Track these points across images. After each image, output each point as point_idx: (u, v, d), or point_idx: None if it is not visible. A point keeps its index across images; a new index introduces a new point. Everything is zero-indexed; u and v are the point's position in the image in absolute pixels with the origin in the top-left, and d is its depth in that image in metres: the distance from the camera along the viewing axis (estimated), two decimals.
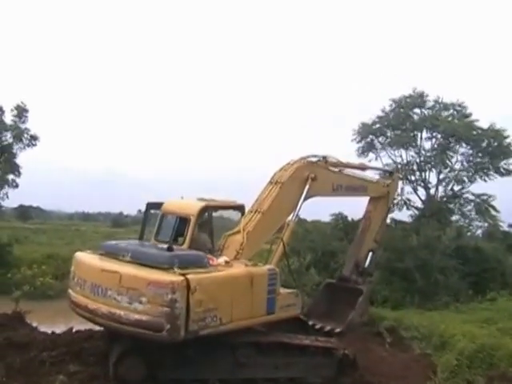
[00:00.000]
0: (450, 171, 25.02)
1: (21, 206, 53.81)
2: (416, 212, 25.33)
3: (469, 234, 25.20)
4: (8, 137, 24.12)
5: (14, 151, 24.20)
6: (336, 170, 11.35)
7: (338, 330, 10.92)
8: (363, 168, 12.62)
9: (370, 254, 12.66)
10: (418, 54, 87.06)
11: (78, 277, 8.83)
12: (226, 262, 8.85)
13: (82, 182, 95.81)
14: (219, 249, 9.68)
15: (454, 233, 21.86)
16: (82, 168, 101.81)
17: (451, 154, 24.95)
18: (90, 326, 9.68)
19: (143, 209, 11.13)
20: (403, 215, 24.66)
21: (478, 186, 25.02)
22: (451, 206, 25.59)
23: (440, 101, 25.58)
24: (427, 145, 25.26)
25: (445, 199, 25.49)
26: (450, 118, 25.37)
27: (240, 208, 10.41)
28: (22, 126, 24.08)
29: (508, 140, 24.59)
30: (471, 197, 25.17)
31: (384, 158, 25.67)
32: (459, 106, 25.51)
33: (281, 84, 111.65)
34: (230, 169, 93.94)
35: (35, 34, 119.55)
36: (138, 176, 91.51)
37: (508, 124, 25.37)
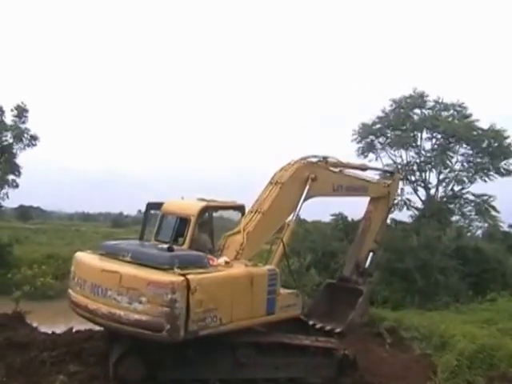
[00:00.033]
0: (450, 171, 25.02)
1: (21, 207, 53.81)
2: (416, 212, 25.33)
3: (469, 234, 25.19)
4: (8, 137, 24.07)
5: (14, 151, 24.18)
6: (336, 170, 11.33)
7: (338, 330, 10.93)
8: (364, 168, 12.59)
9: (371, 254, 12.65)
10: (418, 54, 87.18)
11: (78, 277, 8.84)
12: (226, 263, 8.85)
13: (82, 182, 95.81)
14: (219, 249, 9.68)
15: (454, 233, 21.86)
16: (82, 168, 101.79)
17: (451, 154, 24.94)
18: (90, 326, 9.70)
19: (143, 209, 11.14)
20: (403, 215, 24.68)
21: (478, 187, 25.04)
22: (451, 206, 25.58)
23: (440, 101, 25.57)
24: (427, 145, 25.28)
25: (445, 199, 25.48)
26: (450, 119, 25.36)
27: (240, 208, 10.41)
28: (22, 126, 24.03)
29: (508, 140, 24.59)
30: (471, 197, 25.16)
31: (384, 159, 25.67)
32: (459, 106, 25.51)
33: (281, 84, 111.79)
34: (230, 169, 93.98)
35: (35, 34, 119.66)
36: (137, 176, 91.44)
37: (508, 124, 25.42)
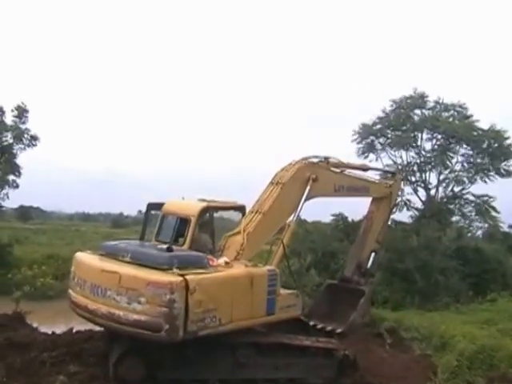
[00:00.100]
0: (450, 172, 25.06)
1: (21, 207, 53.81)
2: (416, 213, 25.37)
3: (469, 234, 25.22)
4: (8, 137, 24.08)
5: (15, 151, 24.19)
6: (338, 170, 11.31)
7: (339, 330, 10.91)
8: (365, 169, 12.57)
9: (373, 254, 12.62)
10: (418, 55, 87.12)
11: (78, 277, 8.83)
12: (226, 263, 8.84)
13: (82, 182, 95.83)
14: (220, 249, 9.68)
15: (454, 234, 21.88)
16: (82, 168, 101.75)
17: (451, 154, 24.99)
18: (90, 326, 9.69)
19: (143, 209, 11.14)
20: (403, 216, 24.72)
21: (479, 187, 25.09)
22: (451, 206, 25.63)
23: (441, 102, 25.62)
24: (428, 145, 25.35)
25: (445, 200, 25.52)
26: (450, 119, 25.40)
27: (241, 209, 10.41)
28: (23, 127, 24.05)
29: (508, 141, 24.64)
30: (471, 198, 25.22)
31: (384, 159, 25.74)
32: (460, 106, 25.55)
33: (281, 84, 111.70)
34: (230, 169, 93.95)
35: (35, 34, 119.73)
36: (137, 176, 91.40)
37: (508, 125, 25.42)
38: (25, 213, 55.02)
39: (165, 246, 8.57)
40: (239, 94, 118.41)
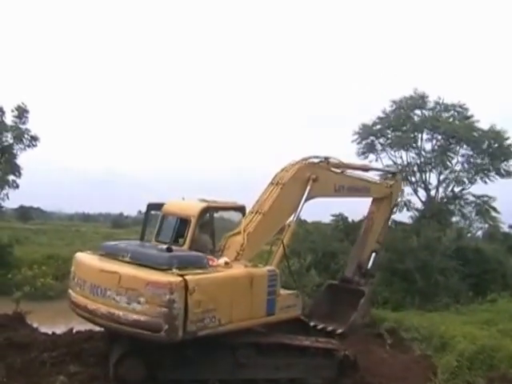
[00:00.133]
0: (450, 172, 25.10)
1: (21, 207, 53.80)
2: (416, 213, 25.41)
3: (469, 235, 25.27)
4: (8, 137, 24.09)
5: (15, 152, 24.20)
6: (338, 170, 11.28)
7: (339, 331, 10.89)
8: (366, 169, 12.56)
9: (373, 255, 12.59)
10: (418, 55, 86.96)
11: (78, 277, 8.83)
12: (226, 263, 8.84)
13: (82, 182, 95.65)
14: (220, 250, 9.68)
15: (454, 234, 21.90)
16: (82, 168, 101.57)
17: (452, 155, 25.03)
18: (90, 326, 9.69)
19: (143, 209, 11.15)
20: (403, 216, 24.72)
21: (479, 188, 25.12)
22: (451, 207, 25.66)
23: (441, 102, 25.64)
24: (428, 146, 25.40)
25: (445, 200, 25.55)
26: (450, 120, 25.42)
27: (241, 209, 10.41)
28: (23, 127, 24.07)
29: (508, 141, 24.69)
30: (471, 198, 25.25)
31: (384, 160, 25.77)
32: (460, 107, 25.58)
33: (281, 84, 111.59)
34: (230, 169, 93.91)
35: (35, 34, 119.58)
36: (137, 176, 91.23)
37: (509, 125, 25.46)
38: (25, 213, 55.00)
39: (164, 247, 8.58)
40: (239, 94, 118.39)
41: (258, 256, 10.40)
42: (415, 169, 25.24)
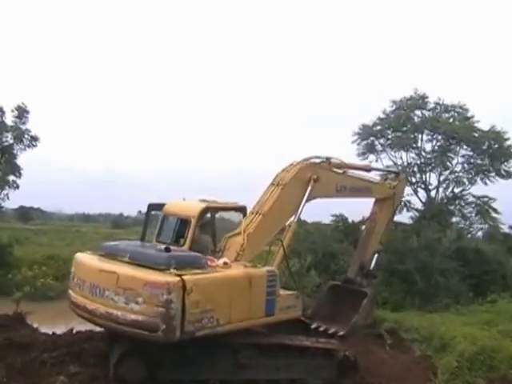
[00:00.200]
0: (450, 173, 25.09)
1: (21, 207, 53.84)
2: (416, 214, 25.40)
3: (469, 235, 25.23)
4: (9, 138, 24.05)
5: (15, 152, 24.18)
6: (340, 171, 11.19)
7: (341, 333, 10.80)
8: (368, 169, 12.50)
9: (376, 255, 12.52)
10: (418, 55, 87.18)
11: (78, 277, 8.84)
12: (225, 264, 8.83)
13: (82, 182, 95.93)
14: (220, 250, 9.68)
15: (454, 235, 21.86)
16: (82, 168, 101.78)
17: (452, 155, 25.03)
18: (90, 326, 9.68)
19: (143, 210, 11.17)
20: (403, 217, 24.70)
21: (479, 188, 25.12)
22: (452, 207, 25.65)
23: (441, 102, 25.64)
24: (428, 146, 25.40)
25: (445, 201, 25.54)
26: (450, 120, 25.42)
27: (242, 210, 10.40)
28: (23, 127, 24.04)
29: (508, 142, 24.69)
30: (472, 199, 25.25)
31: (384, 160, 25.76)
32: (460, 107, 25.58)
33: (281, 84, 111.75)
34: (230, 169, 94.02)
35: (35, 34, 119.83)
36: (137, 176, 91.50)
37: (508, 125, 25.47)
38: (25, 213, 55.04)
39: (163, 247, 8.59)
40: (239, 94, 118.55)
41: (258, 256, 10.40)
42: (415, 169, 25.24)
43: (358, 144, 25.98)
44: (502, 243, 25.07)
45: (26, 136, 24.00)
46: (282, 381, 9.33)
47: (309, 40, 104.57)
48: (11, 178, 24.17)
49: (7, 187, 24.08)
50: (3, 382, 8.37)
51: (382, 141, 25.87)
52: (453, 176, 25.06)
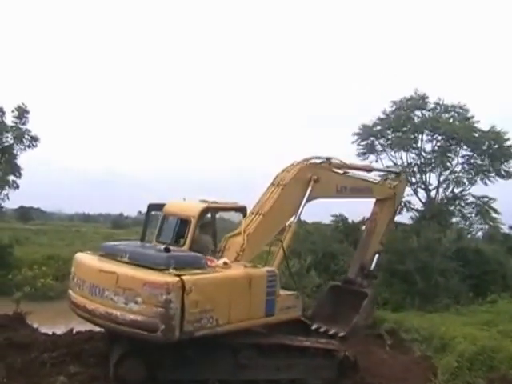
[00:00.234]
0: (450, 173, 25.10)
1: (21, 208, 53.82)
2: (416, 214, 25.39)
3: (469, 236, 25.23)
4: (9, 138, 24.04)
5: (15, 152, 24.17)
6: (340, 171, 11.19)
7: (341, 334, 10.78)
8: (368, 169, 12.48)
9: (376, 256, 12.49)
10: (418, 55, 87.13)
11: (78, 277, 8.85)
12: (225, 264, 8.84)
13: (82, 182, 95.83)
14: (220, 250, 9.68)
15: (454, 235, 21.87)
16: (82, 168, 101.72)
17: (452, 156, 25.04)
18: (90, 327, 9.70)
19: (143, 210, 11.17)
20: (403, 217, 24.69)
21: (479, 189, 25.12)
22: (452, 208, 25.65)
23: (441, 103, 25.65)
24: (428, 147, 25.40)
25: (445, 201, 25.54)
26: (450, 120, 25.42)
27: (242, 210, 10.41)
28: (23, 127, 24.03)
29: (509, 142, 24.68)
30: (472, 199, 25.25)
31: (384, 160, 25.76)
32: (460, 108, 25.58)
33: (281, 84, 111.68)
34: (230, 169, 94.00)
35: (35, 35, 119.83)
36: (137, 176, 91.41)
37: (508, 125, 25.46)
38: (25, 213, 55.01)
39: (163, 247, 8.59)
40: (239, 94, 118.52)
41: (258, 257, 10.39)
42: (415, 169, 25.24)
43: (358, 144, 26.01)
44: (502, 243, 25.07)
45: (26, 136, 23.98)
46: (282, 381, 9.33)
47: (309, 40, 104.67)
48: (11, 178, 24.15)
49: (7, 187, 24.06)
50: (3, 382, 8.37)
51: (382, 141, 25.88)
52: (453, 176, 25.07)
